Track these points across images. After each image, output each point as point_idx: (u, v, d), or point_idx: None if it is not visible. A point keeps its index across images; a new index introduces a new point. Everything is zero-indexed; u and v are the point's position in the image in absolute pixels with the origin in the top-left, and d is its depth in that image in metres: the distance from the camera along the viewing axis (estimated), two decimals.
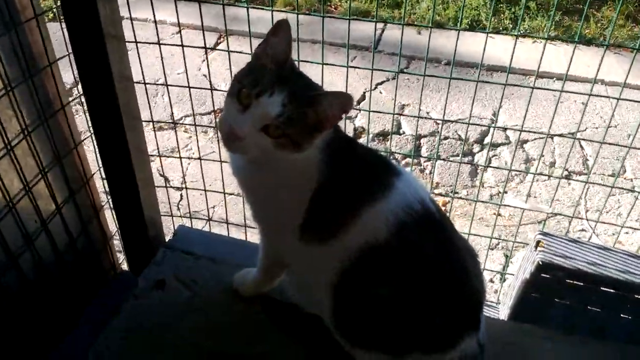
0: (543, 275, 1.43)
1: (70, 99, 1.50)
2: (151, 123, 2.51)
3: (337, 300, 1.20)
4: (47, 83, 1.40)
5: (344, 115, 1.07)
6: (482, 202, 2.87)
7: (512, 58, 1.58)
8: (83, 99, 1.47)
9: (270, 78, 1.03)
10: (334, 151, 1.16)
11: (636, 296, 1.42)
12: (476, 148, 3.39)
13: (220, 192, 1.99)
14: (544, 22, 4.67)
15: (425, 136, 3.45)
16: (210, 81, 2.39)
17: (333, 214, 1.16)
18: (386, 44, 4.42)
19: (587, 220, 2.86)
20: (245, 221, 2.02)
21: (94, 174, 1.62)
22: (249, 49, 1.44)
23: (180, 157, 2.15)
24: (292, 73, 1.07)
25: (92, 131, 1.51)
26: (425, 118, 3.51)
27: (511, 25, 4.70)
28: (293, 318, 1.47)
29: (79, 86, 1.42)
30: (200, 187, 2.02)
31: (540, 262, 1.41)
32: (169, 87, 1.78)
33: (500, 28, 4.71)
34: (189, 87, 1.78)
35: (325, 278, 1.19)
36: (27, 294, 1.43)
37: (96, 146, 1.52)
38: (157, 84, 2.33)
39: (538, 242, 1.47)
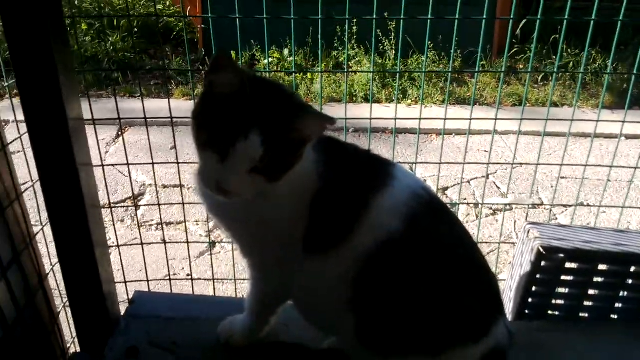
0: (544, 262, 1.40)
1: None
2: None
3: (358, 310, 1.07)
4: None
5: (323, 133, 1.02)
6: (466, 203, 2.87)
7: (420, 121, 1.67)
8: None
9: (237, 117, 0.93)
10: (324, 149, 1.08)
11: (632, 269, 1.42)
12: None
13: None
14: (430, 89, 5.04)
15: None
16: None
17: (340, 212, 1.06)
18: None
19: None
20: None
21: (38, 231, 1.37)
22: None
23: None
24: (256, 99, 0.94)
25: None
26: None
27: (402, 96, 5.01)
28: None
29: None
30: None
31: (540, 248, 1.37)
32: None
33: (393, 98, 5.01)
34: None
35: (340, 290, 1.06)
36: None
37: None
38: None
39: (529, 232, 1.45)
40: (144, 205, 3.33)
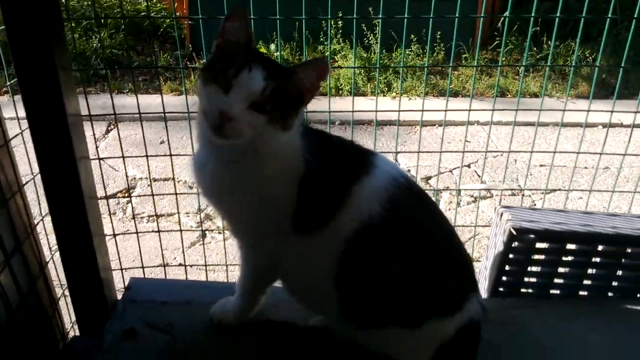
0: (515, 243, 1.49)
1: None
2: None
3: (342, 286, 1.17)
4: None
5: (321, 83, 1.08)
6: (444, 189, 2.95)
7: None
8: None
9: (242, 56, 1.03)
10: (311, 138, 1.17)
11: (599, 247, 1.52)
12: None
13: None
14: (414, 82, 5.14)
15: None
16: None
17: (325, 198, 1.15)
18: None
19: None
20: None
21: (38, 222, 1.44)
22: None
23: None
24: (260, 52, 1.08)
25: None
26: None
27: (386, 89, 5.10)
28: (293, 337, 1.39)
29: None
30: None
31: (512, 229, 1.47)
32: None
33: (378, 91, 5.09)
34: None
35: (326, 268, 1.16)
36: None
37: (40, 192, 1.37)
38: None
39: (502, 214, 1.54)
40: (138, 195, 3.40)
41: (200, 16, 1.72)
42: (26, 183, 1.39)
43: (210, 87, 1.04)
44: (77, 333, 1.59)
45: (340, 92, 4.93)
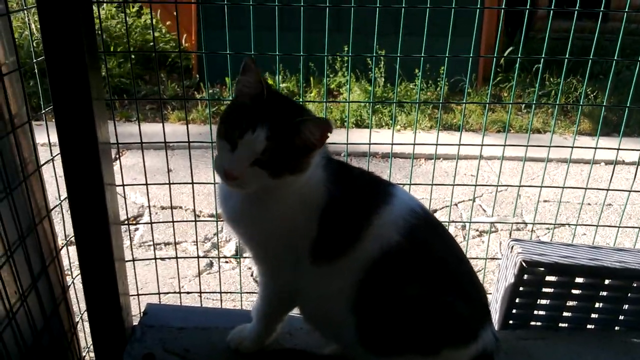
0: (526, 275, 1.53)
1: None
2: None
3: (359, 313, 1.20)
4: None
5: (325, 139, 1.12)
6: (453, 221, 2.98)
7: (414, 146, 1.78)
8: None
9: (251, 114, 1.09)
10: (333, 169, 1.22)
11: (607, 281, 1.56)
12: None
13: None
14: (419, 116, 5.23)
15: None
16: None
17: (346, 227, 1.19)
18: None
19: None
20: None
21: (62, 247, 1.48)
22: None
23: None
24: (272, 104, 1.10)
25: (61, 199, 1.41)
26: None
27: (391, 122, 5.18)
28: None
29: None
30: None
31: (523, 262, 1.51)
32: None
33: (383, 124, 5.18)
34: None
35: (344, 296, 1.19)
36: None
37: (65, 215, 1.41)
38: None
39: (512, 247, 1.58)
40: (145, 223, 3.43)
41: (203, 51, 1.78)
42: (53, 208, 1.44)
43: (221, 141, 1.12)
44: (92, 357, 1.61)
45: (345, 124, 5.01)
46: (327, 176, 1.20)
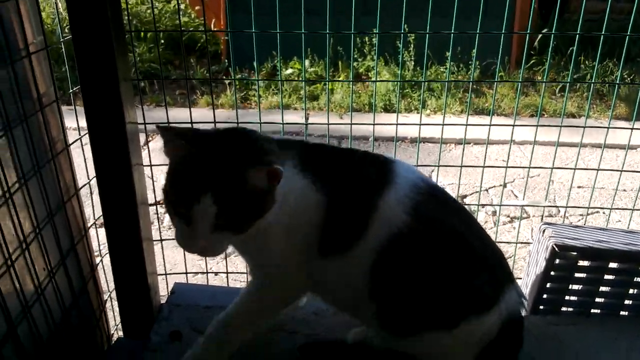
0: (557, 260, 1.49)
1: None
2: None
3: (376, 297, 1.17)
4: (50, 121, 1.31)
5: (273, 187, 1.05)
6: (483, 205, 2.93)
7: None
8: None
9: (190, 184, 1.01)
10: (315, 168, 1.16)
11: None
12: None
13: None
14: (449, 100, 5.14)
15: None
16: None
17: (350, 219, 1.14)
18: (313, 129, 4.62)
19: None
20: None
21: (91, 225, 1.50)
22: None
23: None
24: (205, 159, 1.02)
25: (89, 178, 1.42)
26: None
27: (420, 106, 5.11)
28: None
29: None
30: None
31: (555, 246, 1.47)
32: None
33: (412, 108, 5.11)
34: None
35: (358, 284, 1.16)
36: None
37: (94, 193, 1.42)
38: None
39: (544, 231, 1.54)
40: None
41: (228, 30, 1.77)
42: (82, 187, 1.45)
43: (173, 219, 1.06)
44: (121, 335, 1.64)
45: (379, 109, 4.96)
46: (310, 179, 1.14)
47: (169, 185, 1.06)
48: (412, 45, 5.23)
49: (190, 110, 1.69)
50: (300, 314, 1.50)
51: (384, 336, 1.23)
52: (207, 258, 2.25)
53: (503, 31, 1.83)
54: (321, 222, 1.14)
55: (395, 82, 5.13)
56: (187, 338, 1.42)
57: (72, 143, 1.38)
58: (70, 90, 1.38)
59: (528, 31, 1.83)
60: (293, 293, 1.29)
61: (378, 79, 5.31)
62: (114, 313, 1.72)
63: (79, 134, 1.42)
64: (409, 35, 5.14)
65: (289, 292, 1.28)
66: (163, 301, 1.63)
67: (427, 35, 1.74)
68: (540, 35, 5.52)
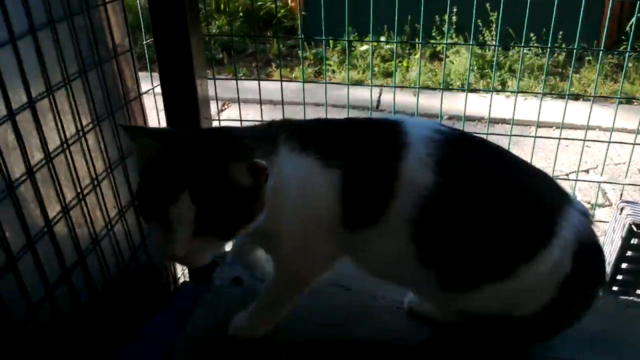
0: (634, 239, 1.40)
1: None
2: None
3: (424, 263, 1.10)
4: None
5: (261, 184, 0.95)
6: (559, 178, 2.84)
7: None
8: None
9: (164, 183, 0.90)
10: (318, 140, 1.07)
11: None
12: None
13: None
14: (531, 82, 4.93)
15: None
16: None
17: (371, 191, 1.06)
18: (385, 105, 4.58)
19: None
20: None
21: None
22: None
23: None
24: (180, 156, 0.92)
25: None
26: None
27: (500, 87, 4.93)
28: None
29: None
30: None
31: (632, 224, 1.38)
32: None
33: (490, 89, 4.93)
34: None
35: (401, 253, 1.09)
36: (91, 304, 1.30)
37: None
38: None
39: (622, 209, 1.45)
40: None
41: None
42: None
43: (150, 224, 0.97)
44: (187, 276, 1.70)
45: (450, 87, 4.83)
46: (314, 157, 1.04)
47: (141, 187, 0.97)
48: (493, 24, 5.03)
49: (259, 81, 1.69)
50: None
51: (439, 296, 1.16)
52: None
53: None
54: (338, 199, 1.05)
55: (475, 61, 4.97)
56: (248, 285, 1.45)
57: (146, 92, 1.42)
58: (145, 42, 1.42)
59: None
60: (324, 267, 1.20)
61: (458, 61, 5.16)
62: None
63: (152, 84, 1.46)
64: (490, 13, 4.95)
65: (319, 268, 1.19)
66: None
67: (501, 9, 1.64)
68: (632, 21, 5.15)
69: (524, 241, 1.06)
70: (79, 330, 1.20)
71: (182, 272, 1.76)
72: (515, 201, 1.06)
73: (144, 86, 1.45)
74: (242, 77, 4.98)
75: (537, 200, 1.08)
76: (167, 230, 0.90)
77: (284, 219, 1.04)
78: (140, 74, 1.39)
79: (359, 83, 4.95)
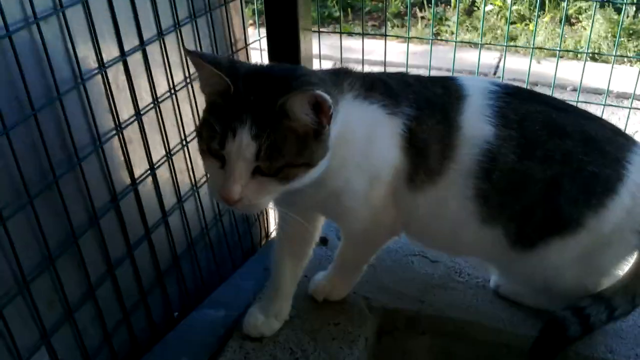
0: None
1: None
2: None
3: (493, 220, 1.06)
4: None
5: (325, 118, 0.88)
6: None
7: None
8: None
9: (226, 116, 0.87)
10: (380, 89, 1.03)
11: None
12: None
13: None
14: None
15: None
16: None
17: (433, 140, 1.03)
18: (505, 72, 4.34)
19: None
20: None
21: None
22: None
23: None
24: (248, 90, 0.88)
25: None
26: None
27: (635, 59, 4.48)
28: None
29: None
30: None
31: None
32: None
33: (625, 61, 4.50)
34: None
35: (465, 212, 1.06)
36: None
37: None
38: None
39: None
40: None
41: None
42: None
43: (207, 160, 0.93)
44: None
45: (579, 56, 4.46)
46: (378, 104, 1.01)
47: (202, 119, 0.95)
48: None
49: (362, 43, 1.71)
50: None
51: (509, 255, 1.10)
52: None
53: None
54: (402, 146, 1.03)
55: (608, 29, 4.55)
56: (332, 243, 1.47)
57: (252, 43, 1.45)
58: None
59: None
60: (390, 230, 1.17)
61: (592, 27, 4.75)
62: (275, 212, 1.83)
63: (259, 35, 1.48)
64: None
65: (385, 231, 1.17)
66: None
67: None
68: None
69: (589, 188, 1.02)
70: (173, 274, 1.28)
71: (275, 228, 1.81)
72: (579, 148, 1.03)
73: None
74: (346, 33, 4.94)
75: (603, 147, 1.04)
76: (223, 166, 0.89)
77: (349, 174, 1.02)
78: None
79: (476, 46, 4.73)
